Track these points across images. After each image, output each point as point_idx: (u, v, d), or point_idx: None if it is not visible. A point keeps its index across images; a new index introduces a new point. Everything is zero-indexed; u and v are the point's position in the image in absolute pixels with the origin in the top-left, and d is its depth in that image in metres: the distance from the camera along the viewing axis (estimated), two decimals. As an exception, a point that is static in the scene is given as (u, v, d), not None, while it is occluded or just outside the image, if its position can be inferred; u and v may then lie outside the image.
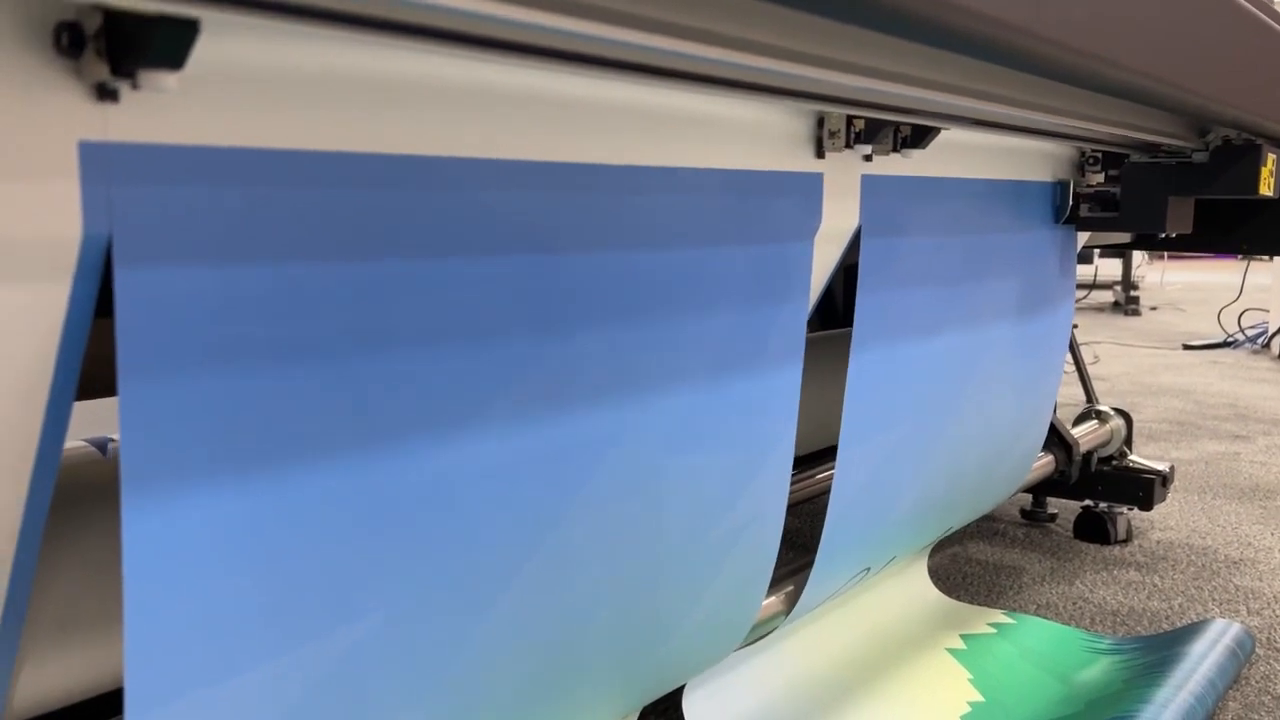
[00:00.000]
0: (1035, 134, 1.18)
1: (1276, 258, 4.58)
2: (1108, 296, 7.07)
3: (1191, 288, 8.41)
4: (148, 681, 0.54)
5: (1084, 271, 6.85)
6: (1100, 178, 1.55)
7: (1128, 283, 6.83)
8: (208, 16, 0.44)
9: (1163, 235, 1.58)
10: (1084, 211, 1.53)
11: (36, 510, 0.58)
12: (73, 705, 0.78)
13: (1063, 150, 1.52)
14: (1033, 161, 1.46)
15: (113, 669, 0.80)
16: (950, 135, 1.15)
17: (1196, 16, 1.02)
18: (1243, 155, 1.39)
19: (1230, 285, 6.07)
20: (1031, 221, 1.47)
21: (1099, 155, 1.55)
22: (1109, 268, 6.91)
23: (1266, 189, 1.41)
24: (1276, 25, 1.23)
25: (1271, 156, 1.41)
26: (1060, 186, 1.52)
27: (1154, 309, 7.01)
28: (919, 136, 1.04)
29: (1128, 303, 6.76)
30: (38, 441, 0.56)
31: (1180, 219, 1.49)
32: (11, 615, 0.61)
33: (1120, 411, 2.20)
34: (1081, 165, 1.56)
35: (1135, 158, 1.48)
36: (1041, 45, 0.68)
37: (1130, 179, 1.47)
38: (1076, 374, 2.38)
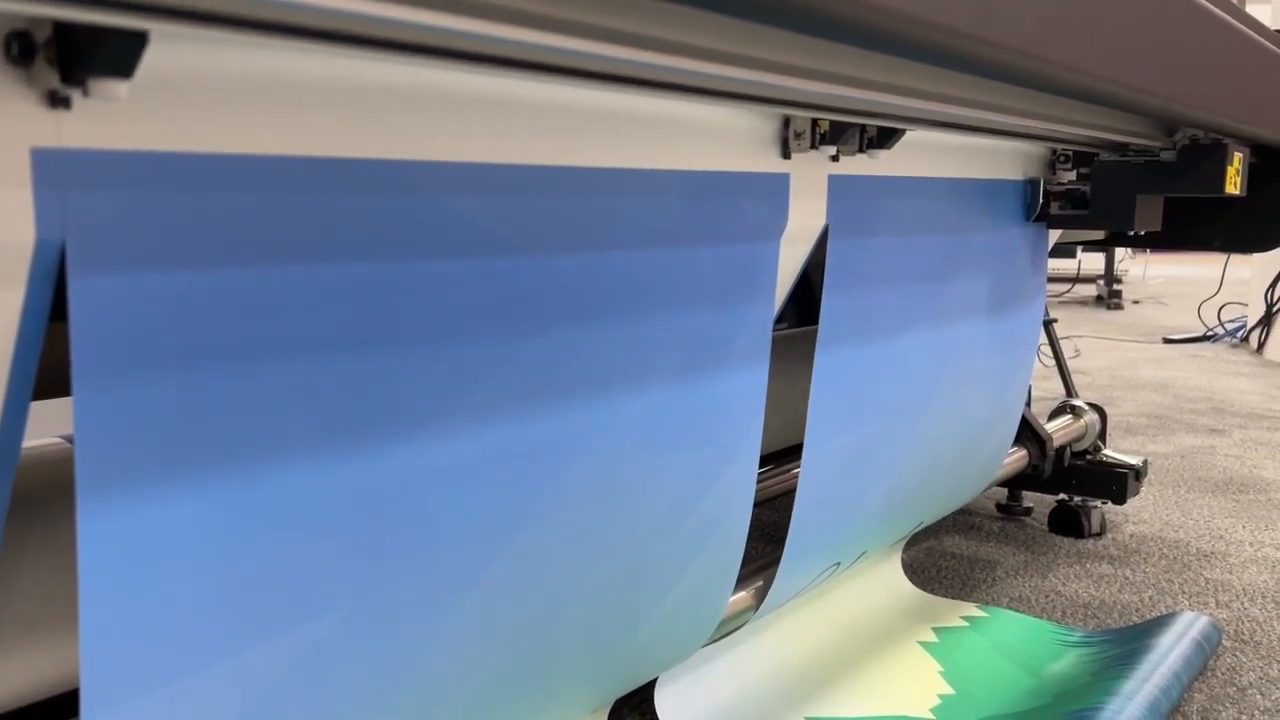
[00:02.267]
0: (1001, 134, 1.19)
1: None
2: (1091, 290, 7.11)
3: (1173, 281, 8.47)
4: (102, 682, 0.54)
5: (1067, 265, 6.92)
6: (1071, 176, 1.57)
7: (1110, 276, 6.87)
8: (156, 27, 0.44)
9: (1132, 233, 1.60)
10: (1055, 209, 1.55)
11: (-5, 511, 0.59)
12: (37, 703, 0.79)
13: (1033, 149, 1.54)
14: (1003, 160, 1.47)
15: (69, 669, 0.81)
16: (918, 135, 1.16)
17: (1159, 18, 1.03)
18: (1209, 154, 1.40)
19: (1211, 279, 6.11)
20: (1001, 219, 1.49)
21: (1069, 154, 1.56)
22: (1092, 261, 6.95)
23: (1233, 187, 1.42)
24: (1240, 26, 1.24)
25: (1238, 155, 1.43)
26: (1030, 185, 1.54)
27: (1136, 303, 7.06)
28: (885, 137, 1.05)
29: (1110, 296, 6.81)
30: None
31: (1149, 217, 1.51)
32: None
33: (1095, 406, 2.22)
34: (1053, 163, 1.57)
35: (1105, 156, 1.50)
36: (992, 51, 0.69)
37: (1100, 177, 1.49)
38: (1056, 368, 2.40)
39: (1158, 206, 1.54)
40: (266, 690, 0.65)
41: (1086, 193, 1.53)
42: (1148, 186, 1.45)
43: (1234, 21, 1.24)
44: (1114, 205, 1.47)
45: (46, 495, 0.85)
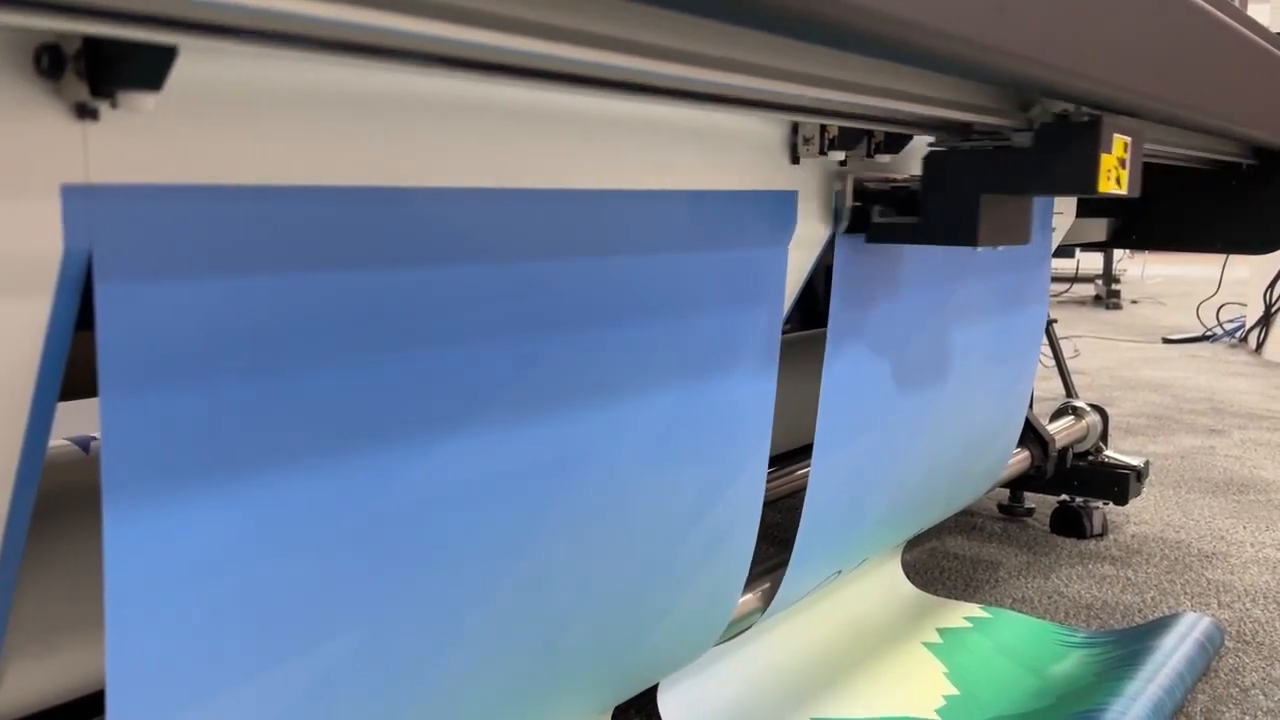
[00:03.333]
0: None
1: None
2: (1089, 290, 7.12)
3: (1172, 281, 8.48)
4: (130, 693, 0.55)
5: (1065, 265, 6.93)
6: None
7: (1109, 276, 6.88)
8: (186, 42, 0.45)
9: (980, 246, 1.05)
10: (875, 216, 1.10)
11: (19, 515, 0.59)
12: (49, 709, 0.79)
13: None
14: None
15: (89, 670, 0.81)
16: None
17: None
18: (1076, 138, 0.96)
19: (1210, 279, 6.13)
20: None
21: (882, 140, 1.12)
22: (1090, 261, 6.96)
23: (1114, 185, 0.97)
24: None
25: (1120, 139, 0.97)
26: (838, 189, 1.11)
27: (1135, 302, 7.07)
28: (893, 142, 1.06)
29: (1108, 296, 6.82)
30: (21, 447, 0.57)
31: (1004, 225, 1.04)
32: (-5, 619, 0.62)
33: (1096, 407, 2.23)
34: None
35: (938, 143, 1.05)
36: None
37: (934, 172, 1.03)
38: (1056, 368, 2.41)
39: (1019, 212, 1.07)
40: (286, 702, 0.65)
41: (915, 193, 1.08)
42: (994, 182, 1.00)
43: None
44: (951, 211, 1.01)
45: (58, 497, 0.86)
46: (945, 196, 1.01)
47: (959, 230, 1.01)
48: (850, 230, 1.09)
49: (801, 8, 0.53)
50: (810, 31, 0.59)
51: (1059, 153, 0.96)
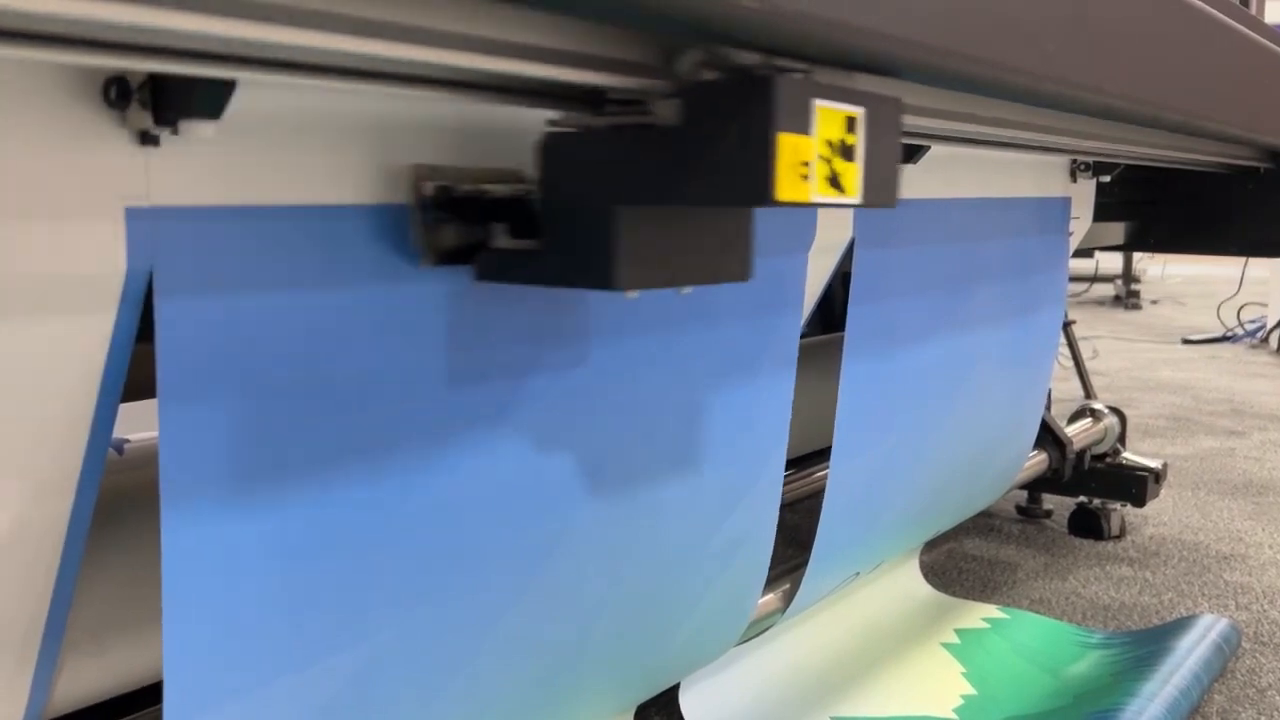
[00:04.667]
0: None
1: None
2: (1109, 290, 7.09)
3: (1192, 281, 8.44)
4: (185, 682, 0.58)
5: (1085, 265, 6.90)
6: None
7: (1128, 276, 6.85)
8: (245, 77, 0.48)
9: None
10: (501, 243, 0.68)
11: (81, 517, 0.63)
12: (85, 708, 0.83)
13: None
14: (1032, 174, 1.49)
15: (119, 667, 0.84)
16: (948, 150, 1.19)
17: None
18: (735, 106, 0.56)
19: (1230, 278, 6.10)
20: (1024, 229, 1.51)
21: None
22: (1110, 261, 6.93)
23: (813, 186, 0.56)
24: None
25: (831, 111, 0.57)
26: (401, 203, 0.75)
27: (1154, 302, 7.04)
28: (910, 152, 1.08)
29: (1128, 296, 6.79)
30: (84, 454, 0.60)
31: (672, 254, 0.65)
32: (56, 614, 0.66)
33: (1114, 409, 2.24)
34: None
35: (561, 122, 0.65)
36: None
37: (553, 169, 0.65)
38: (1075, 369, 2.42)
39: (712, 231, 0.67)
40: (329, 692, 0.68)
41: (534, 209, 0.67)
42: (628, 185, 0.61)
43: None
44: (571, 233, 0.64)
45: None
46: (570, 209, 0.63)
47: (589, 264, 0.62)
48: (444, 262, 0.68)
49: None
50: None
51: (716, 135, 0.56)
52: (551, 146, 0.64)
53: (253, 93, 0.57)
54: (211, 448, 0.59)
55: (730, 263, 0.68)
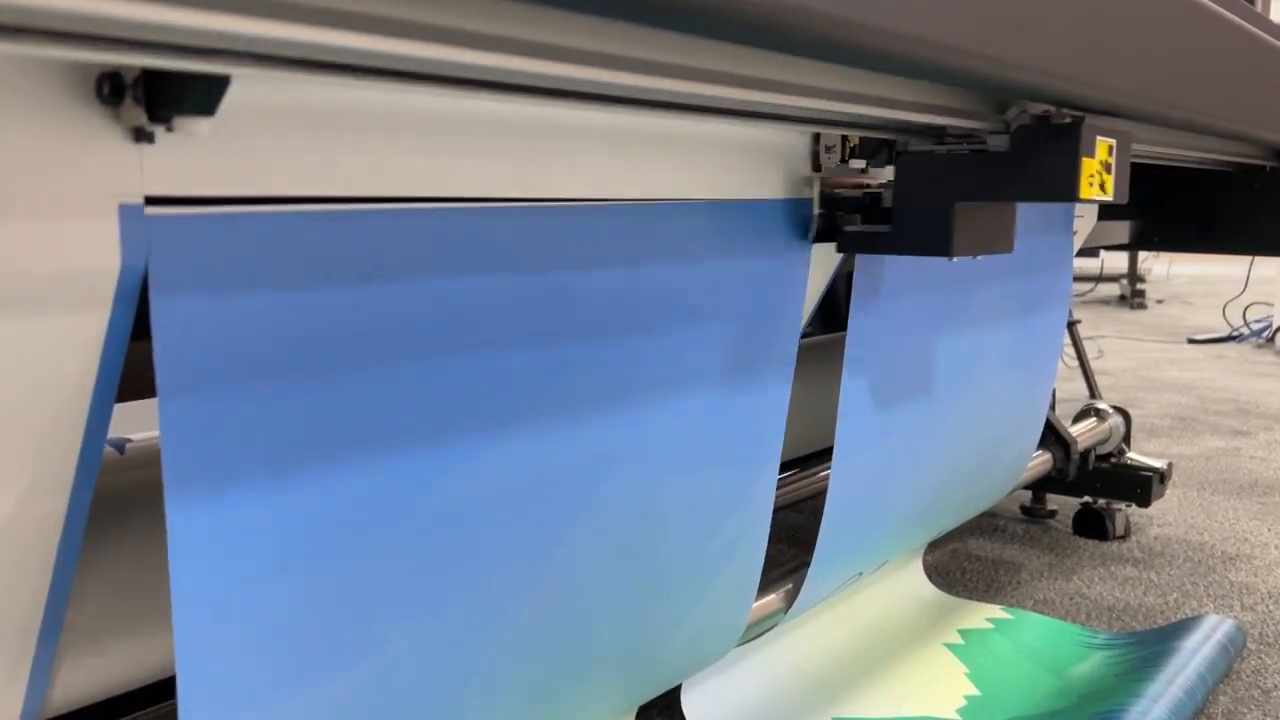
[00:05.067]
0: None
1: (1281, 252, 4.57)
2: (1114, 289, 7.08)
3: (1198, 280, 8.41)
4: (197, 682, 0.58)
5: (1090, 265, 6.89)
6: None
7: (1134, 276, 6.84)
8: (239, 72, 0.48)
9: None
10: (845, 224, 1.05)
11: (77, 515, 0.62)
12: (83, 708, 0.82)
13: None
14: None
15: (118, 667, 0.84)
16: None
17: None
18: (1055, 141, 0.91)
19: (1236, 278, 6.08)
20: (1028, 229, 1.50)
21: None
22: (1115, 260, 6.92)
23: (1095, 189, 0.92)
24: None
25: (1104, 142, 0.93)
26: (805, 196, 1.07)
27: (1160, 302, 7.02)
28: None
29: (1133, 296, 6.78)
30: (79, 451, 0.60)
31: (981, 233, 1.00)
32: (52, 613, 0.65)
33: (1119, 409, 2.23)
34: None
35: (914, 145, 1.00)
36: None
37: (905, 178, 0.99)
38: (1080, 369, 2.41)
39: (1001, 219, 1.04)
40: (339, 686, 0.68)
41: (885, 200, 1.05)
42: (969, 189, 0.96)
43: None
44: (923, 219, 0.98)
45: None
46: (918, 204, 0.97)
47: (932, 240, 0.97)
48: (820, 239, 1.03)
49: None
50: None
51: (1037, 157, 0.92)
52: (904, 164, 0.99)
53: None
54: (212, 442, 0.59)
55: (1005, 239, 1.06)
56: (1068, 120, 0.90)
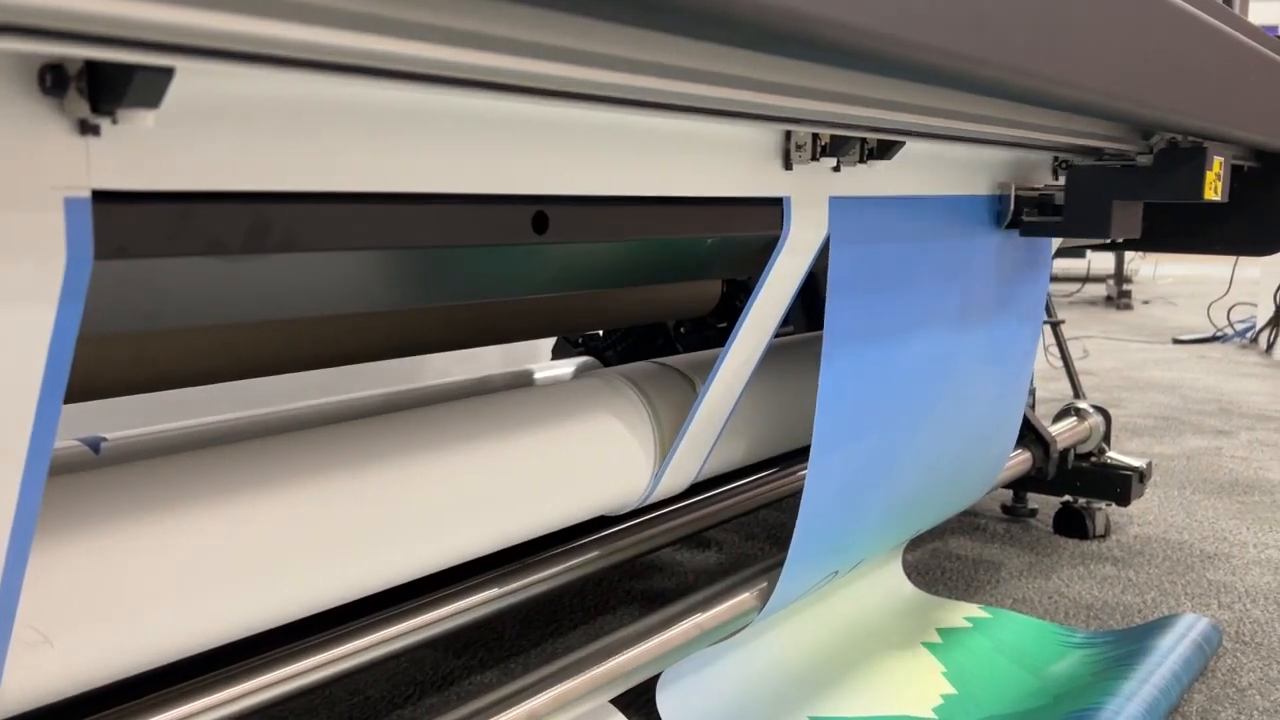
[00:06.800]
0: (988, 144, 1.21)
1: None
2: (1100, 290, 7.10)
3: (1183, 281, 8.45)
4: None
5: (1077, 265, 6.91)
6: (1048, 181, 1.56)
7: (1120, 277, 6.86)
8: (182, 65, 0.47)
9: (1117, 239, 1.56)
10: (1026, 216, 1.50)
11: (27, 511, 0.61)
12: (60, 703, 0.82)
13: (1012, 155, 1.53)
14: (978, 170, 1.48)
15: (99, 666, 0.83)
16: (913, 145, 1.18)
17: (1139, 23, 1.04)
18: (1187, 159, 1.34)
19: (1221, 279, 6.11)
20: (985, 227, 1.50)
21: (1065, 161, 1.53)
22: (1102, 261, 6.94)
23: (1213, 193, 1.35)
24: (1220, 25, 1.23)
25: (1218, 160, 1.36)
26: (1004, 195, 1.50)
27: (1146, 303, 7.05)
28: (885, 148, 1.07)
29: (1120, 296, 6.80)
30: (28, 448, 0.59)
31: (1126, 223, 1.45)
32: (4, 610, 0.65)
33: (1099, 408, 2.23)
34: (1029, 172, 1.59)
35: (1079, 162, 1.46)
36: (991, 71, 0.71)
37: (1074, 184, 1.43)
38: (1064, 369, 2.42)
39: (1135, 212, 1.48)
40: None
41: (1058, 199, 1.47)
42: (1124, 192, 1.40)
43: (1213, 20, 1.23)
44: (1088, 212, 1.41)
45: (69, 495, 0.88)
46: (1084, 201, 1.42)
47: (1094, 226, 1.42)
48: (1010, 226, 1.51)
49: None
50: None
51: (1173, 170, 1.36)
52: (1074, 173, 1.44)
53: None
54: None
55: (1137, 226, 1.48)
56: (1192, 144, 1.35)
